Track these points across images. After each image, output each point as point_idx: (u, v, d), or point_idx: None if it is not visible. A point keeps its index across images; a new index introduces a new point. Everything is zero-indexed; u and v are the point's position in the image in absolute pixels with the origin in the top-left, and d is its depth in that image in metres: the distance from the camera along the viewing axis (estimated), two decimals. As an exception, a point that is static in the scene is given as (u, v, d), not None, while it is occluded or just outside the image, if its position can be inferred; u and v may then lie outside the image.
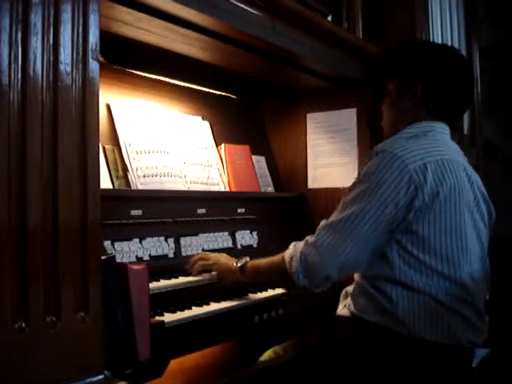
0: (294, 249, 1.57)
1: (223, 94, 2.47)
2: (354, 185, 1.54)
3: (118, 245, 1.74)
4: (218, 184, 2.28)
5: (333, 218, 1.54)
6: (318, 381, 1.55)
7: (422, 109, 1.65)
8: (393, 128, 1.70)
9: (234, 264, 1.76)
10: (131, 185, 1.93)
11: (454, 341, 1.50)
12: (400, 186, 1.45)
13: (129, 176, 1.93)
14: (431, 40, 2.98)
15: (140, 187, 1.93)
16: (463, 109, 1.76)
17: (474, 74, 1.75)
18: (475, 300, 1.54)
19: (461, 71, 1.69)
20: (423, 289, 1.48)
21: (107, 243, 1.71)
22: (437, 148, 1.55)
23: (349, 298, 1.63)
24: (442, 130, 1.65)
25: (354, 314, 1.58)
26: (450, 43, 3.35)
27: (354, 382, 1.52)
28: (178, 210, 1.98)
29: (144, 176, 1.96)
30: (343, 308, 1.65)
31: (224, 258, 1.83)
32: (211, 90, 2.39)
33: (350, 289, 1.66)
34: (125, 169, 1.94)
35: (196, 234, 2.04)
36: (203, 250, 2.04)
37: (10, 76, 0.95)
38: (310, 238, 1.55)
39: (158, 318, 1.49)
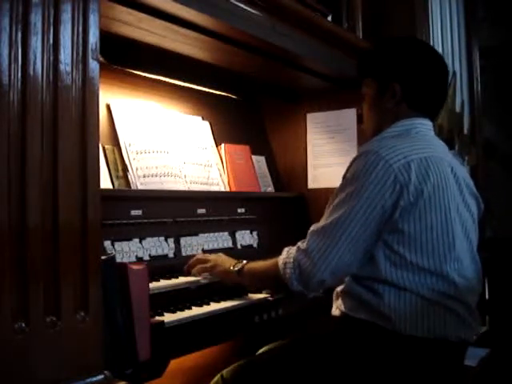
0: (287, 255, 1.58)
1: (223, 94, 2.47)
2: (341, 188, 1.54)
3: (118, 245, 1.74)
4: (218, 184, 2.28)
5: (322, 222, 1.55)
6: (304, 375, 1.56)
7: (404, 107, 1.64)
8: (376, 129, 1.69)
9: (232, 268, 1.76)
10: (131, 185, 1.92)
11: (442, 336, 1.50)
12: (386, 187, 1.46)
13: (129, 176, 1.93)
14: (431, 40, 2.99)
15: (140, 187, 1.93)
16: (443, 100, 1.76)
17: (445, 63, 1.75)
18: (464, 296, 1.54)
19: (434, 63, 1.69)
20: (410, 287, 1.49)
21: (107, 243, 1.71)
22: (420, 146, 1.55)
23: (340, 299, 1.63)
24: (425, 126, 1.65)
25: (344, 312, 1.59)
26: (449, 43, 3.36)
27: (342, 378, 1.53)
28: (177, 210, 1.98)
29: (144, 176, 1.96)
30: (336, 309, 1.66)
31: (222, 260, 1.82)
32: (211, 90, 2.39)
33: (339, 289, 1.66)
34: (125, 169, 1.94)
35: (196, 234, 2.04)
36: (203, 249, 2.04)
37: (10, 76, 0.95)
38: (301, 244, 1.56)
39: (157, 317, 1.49)
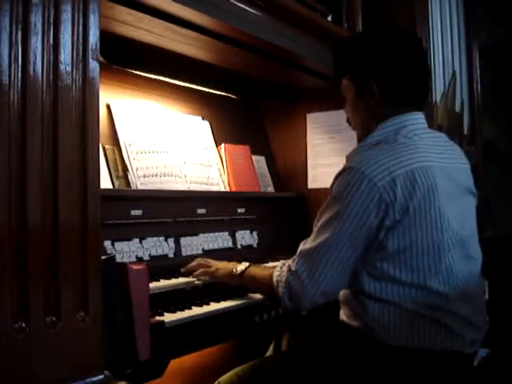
0: (280, 272, 1.57)
1: (223, 94, 2.47)
2: (326, 206, 1.51)
3: (118, 245, 1.74)
4: (217, 184, 2.28)
5: (309, 243, 1.52)
6: (297, 380, 1.58)
7: (386, 104, 1.58)
8: (364, 129, 1.65)
9: (234, 270, 1.76)
10: (131, 185, 1.93)
11: (428, 347, 1.47)
12: (371, 208, 1.43)
13: (129, 176, 1.93)
14: (431, 40, 2.98)
15: (140, 187, 1.93)
16: (427, 86, 1.67)
17: (423, 47, 1.67)
18: (454, 305, 1.48)
19: (411, 53, 1.60)
20: (392, 299, 1.47)
21: (107, 243, 1.71)
22: (407, 155, 1.48)
23: (341, 305, 1.65)
24: (415, 121, 1.57)
25: (342, 319, 1.62)
26: (449, 43, 3.35)
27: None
28: (178, 210, 1.98)
29: (144, 176, 1.96)
30: (341, 314, 1.67)
31: (224, 264, 1.83)
32: (211, 90, 2.39)
33: (339, 297, 1.67)
34: (125, 169, 1.94)
35: (196, 234, 2.04)
36: (203, 250, 2.04)
37: (10, 76, 0.95)
38: (292, 264, 1.54)
39: (158, 317, 1.49)
